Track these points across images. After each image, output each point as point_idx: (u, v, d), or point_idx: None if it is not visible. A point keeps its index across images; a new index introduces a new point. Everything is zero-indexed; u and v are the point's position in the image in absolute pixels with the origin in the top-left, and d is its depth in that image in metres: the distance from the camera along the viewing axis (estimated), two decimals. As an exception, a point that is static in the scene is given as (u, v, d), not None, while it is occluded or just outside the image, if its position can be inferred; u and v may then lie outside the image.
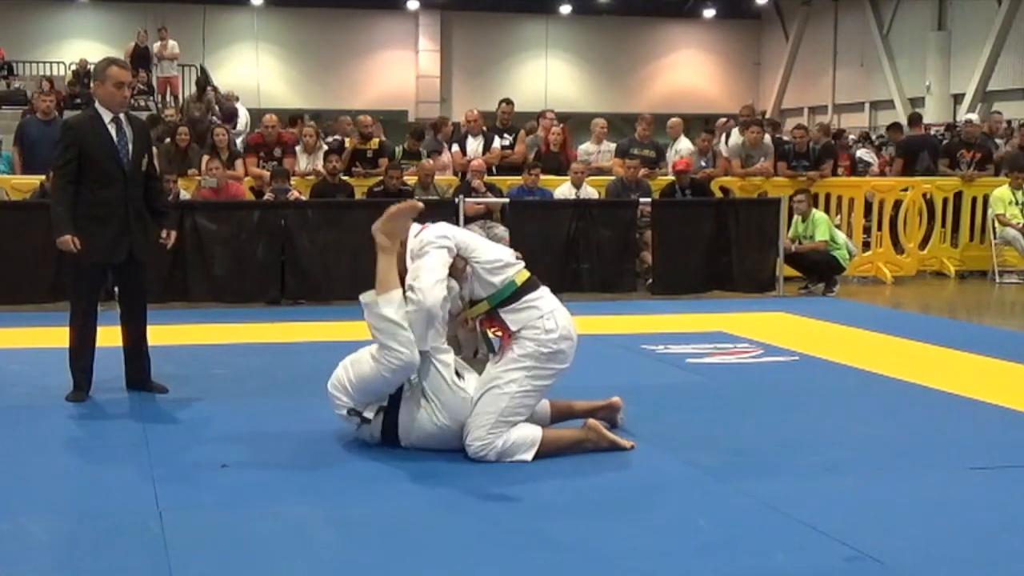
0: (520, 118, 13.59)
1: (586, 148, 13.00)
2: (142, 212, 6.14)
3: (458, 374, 4.91)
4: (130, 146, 6.03)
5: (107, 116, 6.00)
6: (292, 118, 14.95)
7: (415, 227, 4.99)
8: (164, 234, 6.30)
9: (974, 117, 15.50)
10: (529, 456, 4.84)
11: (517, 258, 5.04)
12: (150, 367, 6.30)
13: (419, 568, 3.69)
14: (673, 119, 13.47)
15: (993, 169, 13.18)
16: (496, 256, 4.97)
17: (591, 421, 5.10)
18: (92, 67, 7.56)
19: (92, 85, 6.39)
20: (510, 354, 4.87)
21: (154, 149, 7.98)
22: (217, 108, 19.38)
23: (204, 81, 23.04)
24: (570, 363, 4.97)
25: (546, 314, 4.89)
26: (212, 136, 12.33)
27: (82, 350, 6.10)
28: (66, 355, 6.14)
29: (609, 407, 5.38)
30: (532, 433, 4.89)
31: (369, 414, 4.92)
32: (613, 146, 12.85)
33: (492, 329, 5.03)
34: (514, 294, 4.89)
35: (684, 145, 12.99)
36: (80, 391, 6.08)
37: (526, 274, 5.00)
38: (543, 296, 4.98)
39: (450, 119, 15.51)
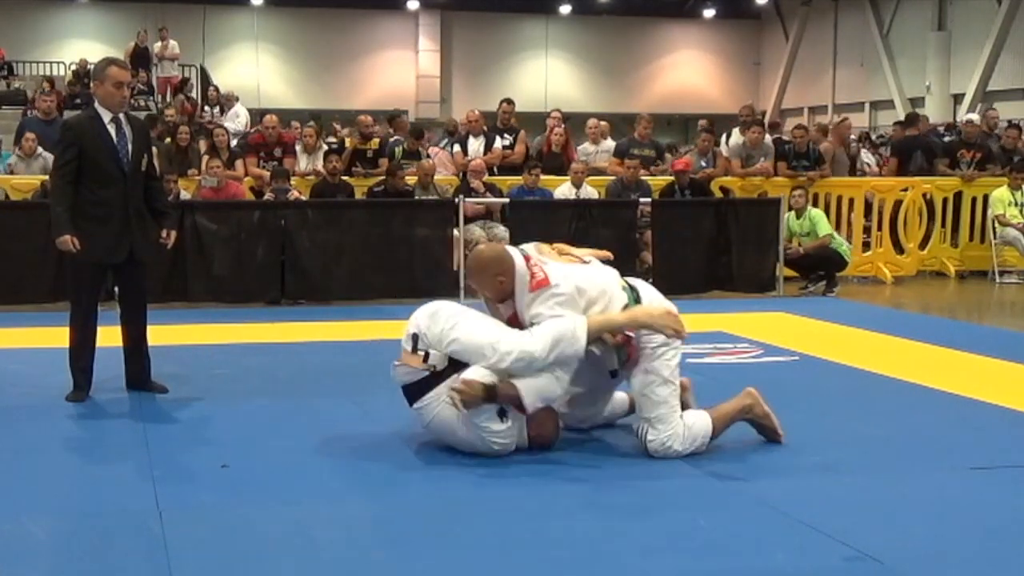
0: (520, 118, 13.55)
1: (585, 148, 13.00)
2: (142, 212, 6.14)
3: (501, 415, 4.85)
4: (130, 146, 6.02)
5: (107, 116, 5.99)
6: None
7: (523, 270, 4.85)
8: (164, 234, 6.29)
9: (975, 117, 15.47)
10: (706, 442, 4.95)
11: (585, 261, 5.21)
12: (150, 367, 6.29)
13: (420, 567, 3.69)
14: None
15: (997, 166, 13.14)
16: (611, 291, 4.99)
17: (750, 388, 5.19)
18: (92, 67, 7.55)
19: (92, 85, 6.39)
20: (646, 350, 4.92)
21: (154, 149, 7.98)
22: (216, 109, 19.38)
23: (182, 84, 23.15)
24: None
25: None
26: (212, 136, 12.35)
27: (82, 350, 6.10)
28: (66, 355, 6.14)
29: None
30: (703, 421, 4.98)
31: (438, 363, 4.80)
32: (612, 145, 12.84)
33: (615, 338, 4.98)
34: (635, 300, 5.04)
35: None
36: (80, 391, 6.08)
37: (623, 282, 5.14)
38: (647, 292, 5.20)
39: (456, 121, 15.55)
